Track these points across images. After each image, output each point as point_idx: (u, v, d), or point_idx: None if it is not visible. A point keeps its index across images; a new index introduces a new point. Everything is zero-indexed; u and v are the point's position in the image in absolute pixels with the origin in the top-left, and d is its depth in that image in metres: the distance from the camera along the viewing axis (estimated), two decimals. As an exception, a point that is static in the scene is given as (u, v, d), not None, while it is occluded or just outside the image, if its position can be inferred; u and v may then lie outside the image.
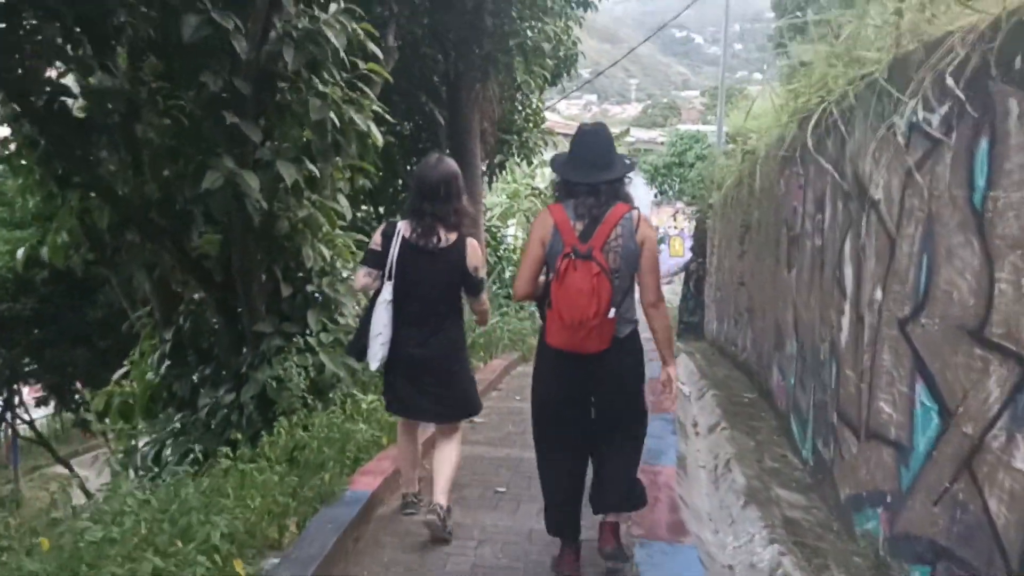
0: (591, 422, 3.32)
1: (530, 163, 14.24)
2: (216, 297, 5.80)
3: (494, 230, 15.40)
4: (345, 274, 6.10)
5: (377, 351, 3.73)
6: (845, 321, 3.76)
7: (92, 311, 11.40)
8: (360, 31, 4.81)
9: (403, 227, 3.77)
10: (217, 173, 4.66)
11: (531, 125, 12.95)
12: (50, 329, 11.91)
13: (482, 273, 3.89)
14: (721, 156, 10.35)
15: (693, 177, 26.34)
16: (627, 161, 3.38)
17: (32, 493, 11.13)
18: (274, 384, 5.35)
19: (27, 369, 13.21)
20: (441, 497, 3.74)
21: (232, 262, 5.47)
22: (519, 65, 9.63)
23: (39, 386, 14.52)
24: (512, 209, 18.12)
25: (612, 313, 3.08)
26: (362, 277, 3.83)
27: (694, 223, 14.82)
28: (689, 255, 20.80)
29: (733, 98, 22.33)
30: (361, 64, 4.94)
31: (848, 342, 3.70)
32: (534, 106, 12.92)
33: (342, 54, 4.57)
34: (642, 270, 3.20)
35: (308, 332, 5.72)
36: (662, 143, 31.38)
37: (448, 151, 10.90)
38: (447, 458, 3.86)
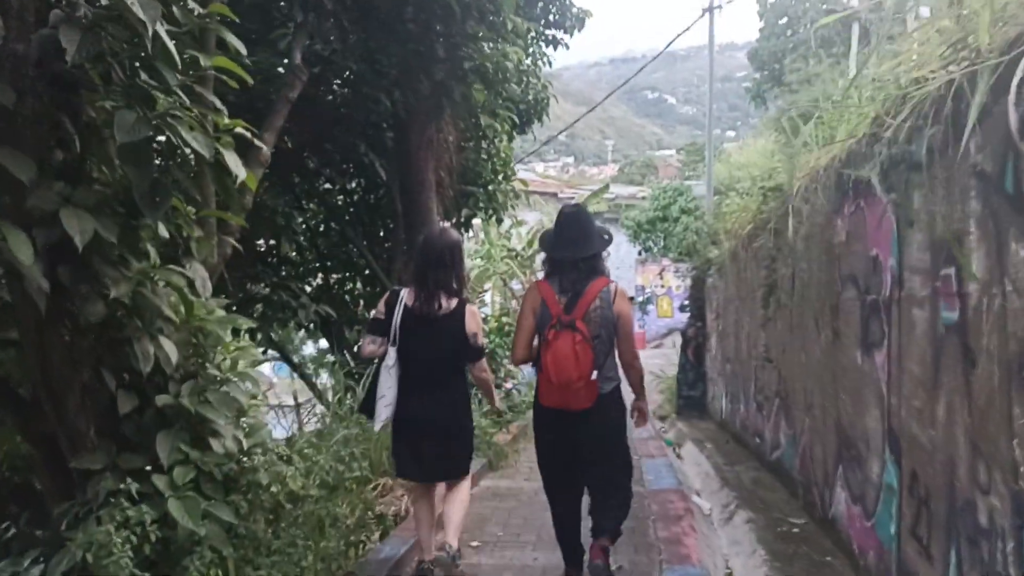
0: (583, 467, 3.77)
1: (500, 220, 12.50)
2: (20, 418, 3.92)
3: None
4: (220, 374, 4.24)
5: (381, 412, 3.86)
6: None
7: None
8: (197, 6, 3.04)
9: (406, 295, 3.89)
10: (-37, 234, 2.86)
11: (500, 177, 11.25)
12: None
13: (480, 340, 3.94)
14: (728, 199, 8.68)
15: (679, 232, 24.85)
16: (605, 236, 3.82)
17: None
18: (89, 556, 3.45)
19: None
20: (452, 539, 3.93)
21: (28, 367, 3.63)
22: (479, 95, 7.93)
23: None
24: (488, 272, 16.54)
25: (594, 375, 3.54)
26: (367, 345, 3.97)
27: (688, 281, 13.13)
28: (679, 316, 19.15)
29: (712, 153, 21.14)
30: (204, 61, 3.18)
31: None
32: (502, 155, 11.23)
33: (162, 35, 2.79)
34: (619, 338, 3.71)
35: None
36: (643, 198, 29.96)
37: (400, 206, 9.19)
38: (457, 501, 4.03)
